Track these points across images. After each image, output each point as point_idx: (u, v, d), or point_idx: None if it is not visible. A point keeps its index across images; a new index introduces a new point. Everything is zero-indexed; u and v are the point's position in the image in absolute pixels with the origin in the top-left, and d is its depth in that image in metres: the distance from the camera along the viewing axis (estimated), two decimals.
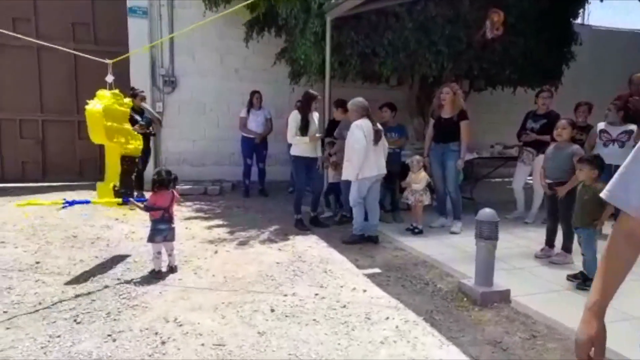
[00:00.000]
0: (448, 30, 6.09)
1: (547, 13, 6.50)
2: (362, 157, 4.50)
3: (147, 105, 6.99)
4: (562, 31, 6.86)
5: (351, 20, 5.86)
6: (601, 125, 5.05)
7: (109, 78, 4.02)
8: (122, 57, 4.37)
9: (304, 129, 5.15)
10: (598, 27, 10.36)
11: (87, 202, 3.91)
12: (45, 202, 3.84)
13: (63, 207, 3.68)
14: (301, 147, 5.22)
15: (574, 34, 7.02)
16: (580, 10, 7.61)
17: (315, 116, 5.33)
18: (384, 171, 4.79)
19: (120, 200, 3.87)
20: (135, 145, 4.27)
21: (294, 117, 5.24)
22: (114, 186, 3.96)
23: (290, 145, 5.42)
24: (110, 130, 3.87)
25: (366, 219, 4.81)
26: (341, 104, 5.42)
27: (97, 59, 4.15)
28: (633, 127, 4.89)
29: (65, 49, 5.13)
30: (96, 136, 3.84)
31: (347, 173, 4.69)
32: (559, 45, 6.87)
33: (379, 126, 4.74)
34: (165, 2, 7.79)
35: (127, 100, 4.30)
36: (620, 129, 4.89)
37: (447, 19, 6.07)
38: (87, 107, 3.78)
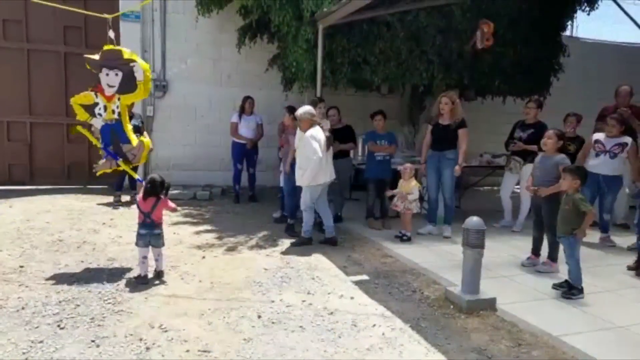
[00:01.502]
0: (439, 40, 6.17)
1: (536, 25, 6.61)
2: (317, 167, 4.67)
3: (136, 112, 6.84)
4: (550, 43, 6.98)
5: (343, 28, 5.91)
6: (597, 135, 5.14)
7: (111, 33, 4.09)
8: (118, 13, 4.42)
9: None
10: (586, 39, 10.54)
11: (116, 159, 4.07)
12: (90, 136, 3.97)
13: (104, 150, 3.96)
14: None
15: (562, 46, 7.14)
16: (569, 23, 7.75)
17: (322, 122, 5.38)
18: (333, 176, 5.01)
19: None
20: None
21: None
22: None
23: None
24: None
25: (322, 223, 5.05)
26: (292, 110, 5.45)
27: (95, 14, 4.23)
28: (627, 139, 4.99)
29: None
30: (145, 92, 4.02)
31: (301, 179, 4.81)
32: (547, 57, 6.99)
33: (328, 133, 4.95)
34: (158, 7, 7.79)
35: None
36: (614, 141, 5.00)
37: (438, 29, 6.15)
38: (142, 63, 3.92)
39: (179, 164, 8.21)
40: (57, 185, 7.58)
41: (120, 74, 3.87)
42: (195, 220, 5.88)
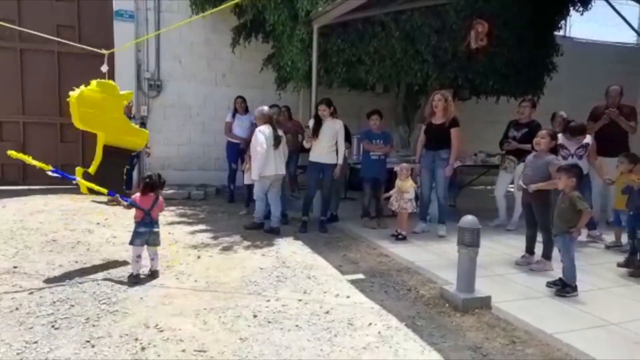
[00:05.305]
0: (434, 40, 6.19)
1: (529, 25, 6.65)
2: (263, 159, 5.01)
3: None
4: (544, 42, 7.02)
5: (338, 28, 5.91)
6: (560, 139, 5.12)
7: (104, 68, 4.11)
8: (115, 49, 4.38)
9: (314, 132, 5.45)
10: (579, 39, 10.62)
11: (74, 179, 3.76)
12: (35, 162, 3.66)
13: (53, 172, 3.67)
14: (314, 151, 5.46)
15: (555, 45, 7.18)
16: (562, 22, 7.79)
17: (332, 122, 5.42)
18: (282, 172, 5.36)
19: (105, 191, 3.83)
20: (132, 139, 4.21)
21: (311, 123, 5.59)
22: (84, 172, 3.87)
23: None
24: (85, 116, 3.82)
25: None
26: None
27: (94, 49, 4.26)
28: (588, 139, 5.08)
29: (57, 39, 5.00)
30: (74, 120, 3.86)
31: (252, 173, 5.19)
32: (541, 56, 7.03)
33: (279, 132, 5.31)
34: (152, 6, 7.76)
35: (126, 92, 4.13)
36: (576, 144, 5.08)
37: (432, 29, 6.17)
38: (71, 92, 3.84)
39: (174, 163, 8.19)
40: (50, 186, 7.52)
41: None
42: (190, 220, 5.86)
